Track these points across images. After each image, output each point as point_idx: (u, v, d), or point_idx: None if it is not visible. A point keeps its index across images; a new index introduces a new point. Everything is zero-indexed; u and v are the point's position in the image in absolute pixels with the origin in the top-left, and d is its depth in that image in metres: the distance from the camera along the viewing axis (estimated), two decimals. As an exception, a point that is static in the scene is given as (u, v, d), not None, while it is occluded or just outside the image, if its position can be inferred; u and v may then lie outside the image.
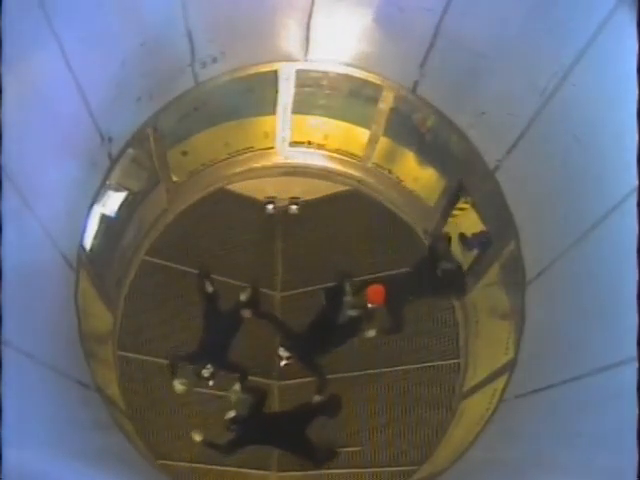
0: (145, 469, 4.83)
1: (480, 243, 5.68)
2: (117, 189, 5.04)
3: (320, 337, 6.06)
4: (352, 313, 6.10)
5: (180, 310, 6.19)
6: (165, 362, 6.00)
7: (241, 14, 4.43)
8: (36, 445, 2.90)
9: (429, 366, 6.09)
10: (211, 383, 5.98)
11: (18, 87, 3.01)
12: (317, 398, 6.01)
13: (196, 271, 6.26)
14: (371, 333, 6.07)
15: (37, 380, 3.41)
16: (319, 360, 6.10)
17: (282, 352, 6.11)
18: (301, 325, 6.18)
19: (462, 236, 6.02)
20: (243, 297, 6.20)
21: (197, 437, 5.75)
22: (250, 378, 6.10)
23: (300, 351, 6.12)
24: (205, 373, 5.87)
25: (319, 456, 5.93)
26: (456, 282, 6.08)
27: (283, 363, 6.20)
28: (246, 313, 6.10)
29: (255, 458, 6.04)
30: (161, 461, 5.73)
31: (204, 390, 6.06)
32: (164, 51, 4.37)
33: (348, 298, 6.11)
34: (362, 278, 6.38)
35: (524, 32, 3.73)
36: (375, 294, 5.82)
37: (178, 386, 5.89)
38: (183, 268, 6.26)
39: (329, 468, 6.01)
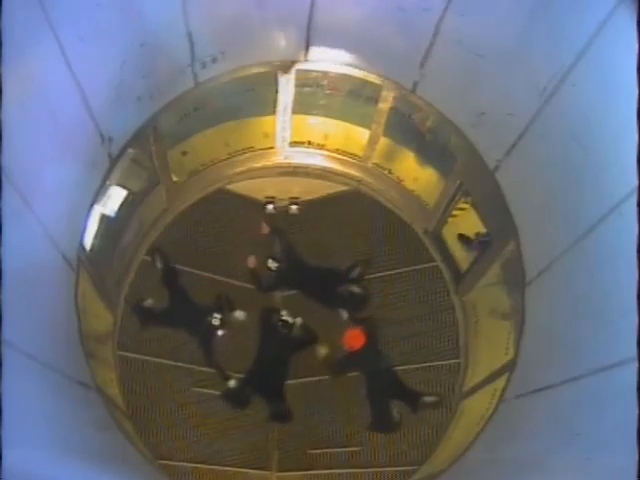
0: (145, 469, 4.84)
1: (480, 243, 5.68)
2: (117, 189, 5.04)
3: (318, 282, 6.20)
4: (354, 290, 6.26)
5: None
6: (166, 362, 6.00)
7: (241, 14, 4.43)
8: (36, 445, 2.90)
9: (429, 366, 6.09)
10: (220, 333, 5.98)
11: (18, 87, 3.01)
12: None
13: (196, 271, 6.26)
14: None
15: (37, 380, 3.41)
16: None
17: (270, 263, 6.20)
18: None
19: (462, 236, 6.03)
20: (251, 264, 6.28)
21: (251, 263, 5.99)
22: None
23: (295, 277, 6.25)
24: (215, 321, 5.89)
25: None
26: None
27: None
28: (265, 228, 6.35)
29: (255, 458, 6.05)
30: (161, 461, 5.73)
31: (204, 390, 6.06)
32: (164, 51, 4.37)
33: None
34: (362, 278, 6.40)
35: (524, 32, 3.73)
36: (353, 339, 5.85)
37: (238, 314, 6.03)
38: (183, 268, 6.25)
39: (330, 468, 6.02)
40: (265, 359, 5.92)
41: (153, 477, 4.93)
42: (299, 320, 6.02)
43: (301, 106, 5.83)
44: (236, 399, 5.88)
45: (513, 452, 4.04)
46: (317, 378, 6.16)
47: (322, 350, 6.08)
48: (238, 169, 6.39)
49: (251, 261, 6.24)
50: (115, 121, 4.44)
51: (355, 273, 6.30)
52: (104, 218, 4.93)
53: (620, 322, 3.06)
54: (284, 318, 5.94)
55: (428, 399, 5.89)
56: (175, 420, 5.96)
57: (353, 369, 6.04)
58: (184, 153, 5.85)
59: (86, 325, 4.53)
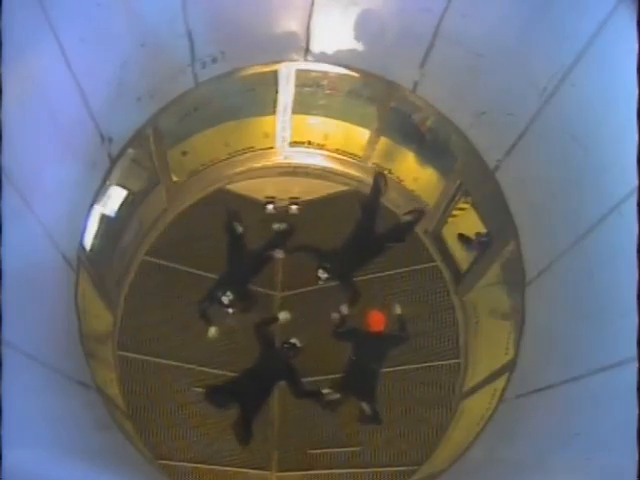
0: (145, 469, 4.83)
1: (480, 243, 5.68)
2: (117, 189, 5.04)
3: (358, 251, 6.02)
4: (404, 219, 6.20)
5: (180, 310, 6.17)
6: (168, 364, 6.00)
7: (241, 14, 4.43)
8: (36, 445, 2.91)
9: (429, 366, 6.08)
10: (230, 311, 5.95)
11: (18, 87, 3.01)
12: (344, 310, 5.93)
13: (196, 271, 6.25)
14: (344, 310, 5.97)
15: (37, 380, 3.41)
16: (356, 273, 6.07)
17: (321, 274, 5.96)
18: (338, 243, 6.07)
19: (462, 236, 6.03)
20: (277, 226, 6.26)
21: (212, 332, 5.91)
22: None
23: (339, 269, 6.00)
24: (225, 300, 5.84)
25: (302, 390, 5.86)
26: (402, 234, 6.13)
27: (320, 283, 6.06)
28: (279, 254, 6.15)
29: (255, 458, 6.05)
30: (161, 461, 5.73)
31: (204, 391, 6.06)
32: (164, 51, 4.37)
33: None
34: (362, 278, 6.38)
35: (524, 32, 3.74)
36: (375, 320, 5.74)
37: (212, 332, 5.96)
38: (183, 268, 6.25)
39: (330, 468, 6.02)
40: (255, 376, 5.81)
41: (153, 477, 4.93)
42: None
43: (301, 106, 5.83)
44: (218, 397, 5.77)
45: (513, 452, 4.04)
46: (317, 378, 6.16)
47: (335, 315, 5.99)
48: (238, 169, 6.39)
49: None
50: (115, 121, 4.44)
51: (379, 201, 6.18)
52: (104, 218, 4.93)
53: (620, 322, 3.06)
54: (292, 342, 5.86)
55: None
56: (175, 420, 5.95)
57: (349, 343, 5.86)
58: (184, 153, 5.85)
59: (86, 325, 4.53)
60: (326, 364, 6.09)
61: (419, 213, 6.15)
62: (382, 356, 5.80)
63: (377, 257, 6.13)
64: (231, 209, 6.23)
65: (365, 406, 5.74)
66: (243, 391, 5.66)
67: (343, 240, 6.00)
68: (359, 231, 6.03)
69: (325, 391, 5.77)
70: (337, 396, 5.76)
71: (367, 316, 5.78)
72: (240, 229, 6.11)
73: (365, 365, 5.75)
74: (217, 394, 5.72)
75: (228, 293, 5.81)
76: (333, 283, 6.02)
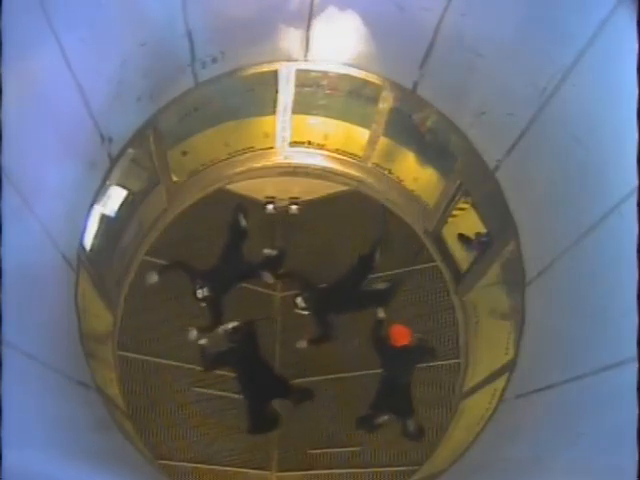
0: (145, 469, 4.83)
1: (480, 243, 5.68)
2: (117, 189, 5.04)
3: (340, 297, 6.12)
4: (380, 286, 6.23)
5: (180, 310, 6.18)
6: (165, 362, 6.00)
7: (241, 14, 4.43)
8: (36, 445, 2.90)
9: (429, 366, 6.09)
10: (203, 305, 6.01)
11: (18, 87, 3.01)
12: (303, 344, 6.08)
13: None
14: (302, 344, 6.13)
15: (37, 380, 3.41)
16: (331, 319, 6.13)
17: (299, 301, 6.11)
18: (324, 282, 6.24)
19: (462, 236, 6.03)
20: (267, 252, 6.32)
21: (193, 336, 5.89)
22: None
23: (317, 305, 6.12)
24: (199, 294, 5.91)
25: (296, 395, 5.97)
26: (384, 298, 6.21)
27: (296, 311, 6.19)
28: (267, 277, 6.21)
29: (255, 458, 6.05)
30: (161, 461, 5.73)
31: (204, 390, 6.06)
32: (164, 51, 4.37)
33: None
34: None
35: (524, 32, 3.73)
36: (399, 333, 5.77)
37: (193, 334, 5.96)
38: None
39: (330, 468, 6.02)
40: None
41: (153, 477, 4.93)
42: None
43: (301, 106, 5.83)
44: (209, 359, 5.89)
45: (513, 452, 4.04)
46: (317, 378, 6.17)
47: (301, 344, 6.13)
48: (238, 169, 6.39)
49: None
50: (115, 121, 4.43)
51: (375, 258, 6.27)
52: (104, 218, 4.92)
53: (620, 322, 3.05)
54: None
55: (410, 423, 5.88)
56: (175, 420, 5.96)
57: (379, 356, 5.96)
58: (184, 153, 5.85)
59: (86, 325, 4.52)
60: (326, 364, 6.11)
61: (397, 283, 6.24)
62: (411, 369, 5.89)
63: (355, 311, 6.23)
64: (240, 202, 6.32)
65: (410, 423, 5.82)
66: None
67: (335, 279, 6.19)
68: (348, 279, 6.22)
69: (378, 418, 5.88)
70: (385, 418, 5.86)
71: (391, 331, 5.81)
72: (244, 222, 6.18)
73: (396, 380, 5.84)
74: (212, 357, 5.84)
75: (205, 289, 5.87)
76: (307, 314, 6.17)
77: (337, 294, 6.18)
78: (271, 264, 6.34)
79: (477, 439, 4.75)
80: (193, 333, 5.98)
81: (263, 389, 5.87)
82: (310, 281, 6.26)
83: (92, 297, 4.94)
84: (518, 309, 4.69)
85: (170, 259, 6.18)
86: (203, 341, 5.90)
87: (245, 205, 6.37)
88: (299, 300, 6.10)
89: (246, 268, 6.22)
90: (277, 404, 5.89)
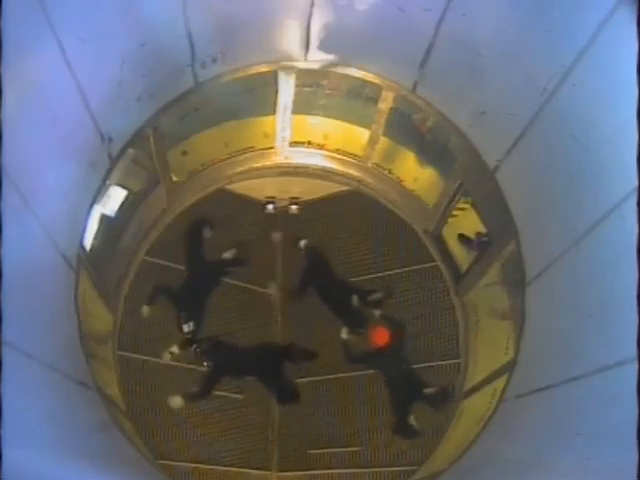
0: (145, 469, 4.84)
1: (480, 243, 5.68)
2: (117, 189, 5.04)
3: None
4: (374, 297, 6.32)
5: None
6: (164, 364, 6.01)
7: (241, 14, 4.42)
8: (36, 445, 2.91)
9: (429, 366, 6.09)
10: (189, 336, 6.01)
11: (18, 87, 3.01)
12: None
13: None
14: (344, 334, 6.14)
15: (37, 380, 3.41)
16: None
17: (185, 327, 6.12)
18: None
19: (462, 236, 6.03)
20: (228, 255, 6.27)
21: (176, 403, 5.87)
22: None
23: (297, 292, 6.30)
24: (185, 328, 5.92)
25: (284, 394, 6.03)
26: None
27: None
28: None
29: (255, 458, 6.05)
30: (161, 461, 5.73)
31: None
32: (164, 51, 4.37)
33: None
34: (362, 278, 6.39)
35: (524, 32, 3.73)
36: (378, 335, 5.79)
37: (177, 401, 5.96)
38: (183, 268, 6.25)
39: (330, 468, 6.02)
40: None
41: (153, 477, 4.93)
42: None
43: (301, 106, 5.83)
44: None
45: (513, 452, 4.04)
46: (317, 378, 6.17)
47: (344, 334, 6.10)
48: (238, 169, 6.39)
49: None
50: (115, 121, 4.43)
51: (375, 297, 6.29)
52: (104, 218, 4.92)
53: (620, 322, 3.05)
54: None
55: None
56: (175, 420, 5.96)
57: (370, 366, 6.00)
58: (184, 153, 5.85)
59: (86, 325, 4.53)
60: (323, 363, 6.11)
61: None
62: (404, 357, 5.93)
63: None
64: (202, 217, 6.30)
65: (412, 420, 5.87)
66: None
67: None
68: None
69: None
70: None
71: (372, 334, 5.83)
72: (209, 234, 6.24)
73: (398, 376, 5.86)
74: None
75: (190, 323, 5.92)
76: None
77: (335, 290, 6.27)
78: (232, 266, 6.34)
79: (477, 439, 4.75)
80: (176, 400, 5.96)
81: (272, 364, 5.99)
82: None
83: (92, 297, 4.95)
84: (518, 309, 4.69)
85: (170, 259, 6.18)
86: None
87: (209, 218, 6.34)
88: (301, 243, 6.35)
89: (213, 270, 6.24)
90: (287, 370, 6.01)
